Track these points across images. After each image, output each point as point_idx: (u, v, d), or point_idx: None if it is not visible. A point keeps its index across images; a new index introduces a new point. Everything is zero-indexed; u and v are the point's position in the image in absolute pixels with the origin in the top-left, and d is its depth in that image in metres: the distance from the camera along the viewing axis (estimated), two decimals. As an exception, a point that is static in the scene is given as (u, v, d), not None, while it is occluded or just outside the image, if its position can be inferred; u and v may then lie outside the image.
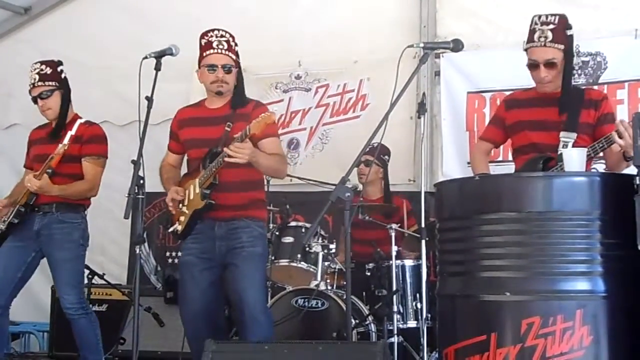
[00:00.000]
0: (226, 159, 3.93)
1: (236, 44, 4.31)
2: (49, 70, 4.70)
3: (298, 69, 6.73)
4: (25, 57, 7.35)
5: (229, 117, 4.18)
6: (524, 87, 5.88)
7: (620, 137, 3.56)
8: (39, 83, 4.68)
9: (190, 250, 4.25)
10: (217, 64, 4.21)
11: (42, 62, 4.75)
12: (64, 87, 4.74)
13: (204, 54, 4.25)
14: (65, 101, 4.73)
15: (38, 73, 4.70)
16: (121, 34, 7.14)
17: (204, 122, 4.28)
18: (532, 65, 3.94)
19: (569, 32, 3.92)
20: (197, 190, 4.16)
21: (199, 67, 4.31)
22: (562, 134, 3.89)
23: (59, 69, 4.74)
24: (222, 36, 4.25)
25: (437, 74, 6.35)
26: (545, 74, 3.91)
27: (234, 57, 4.26)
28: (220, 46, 4.22)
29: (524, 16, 5.90)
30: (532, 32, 3.94)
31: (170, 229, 4.33)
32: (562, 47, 3.90)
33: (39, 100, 4.70)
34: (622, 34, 5.74)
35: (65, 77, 4.77)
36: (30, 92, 4.74)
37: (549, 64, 3.90)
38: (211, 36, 4.25)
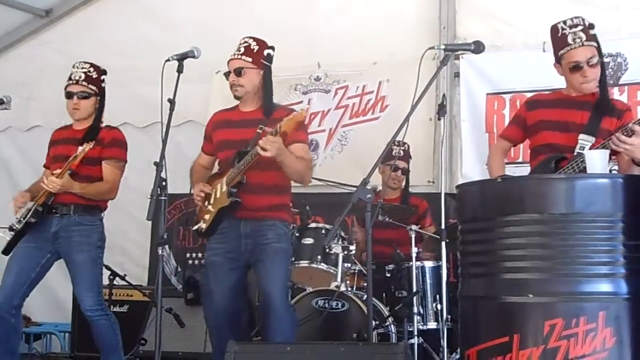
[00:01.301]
0: (258, 150, 3.95)
1: (264, 48, 4.33)
2: (95, 75, 4.77)
3: (317, 70, 6.75)
4: (46, 59, 7.46)
5: (262, 121, 4.21)
6: (542, 88, 5.95)
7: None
8: (83, 82, 4.73)
9: (216, 251, 4.28)
10: (231, 69, 4.30)
11: (91, 65, 4.81)
12: (101, 97, 4.80)
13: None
14: (100, 110, 4.79)
15: (85, 73, 4.75)
16: (141, 37, 7.19)
17: (237, 124, 4.34)
18: (575, 68, 3.91)
19: (592, 32, 3.94)
20: (224, 189, 4.20)
21: None
22: (581, 135, 3.89)
23: (102, 77, 4.81)
24: (244, 42, 4.33)
25: (457, 75, 6.35)
26: (590, 72, 3.91)
27: (249, 59, 4.28)
28: (237, 52, 4.31)
29: (544, 18, 5.90)
30: (562, 37, 3.93)
31: (195, 227, 4.37)
32: (595, 45, 3.92)
33: (74, 97, 4.74)
34: (643, 36, 5.73)
35: (104, 87, 4.83)
36: (67, 86, 4.77)
37: (591, 63, 3.90)
38: (237, 44, 4.34)
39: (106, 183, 4.68)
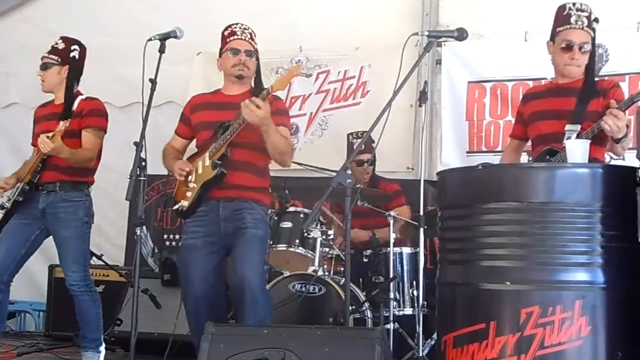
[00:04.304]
0: (242, 110, 3.98)
1: (256, 41, 4.41)
2: (62, 46, 4.79)
3: (299, 54, 6.71)
4: (25, 35, 7.37)
5: None
6: (523, 78, 5.98)
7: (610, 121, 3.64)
8: (46, 54, 4.79)
9: (194, 234, 4.24)
10: (241, 49, 4.31)
11: (62, 38, 4.84)
12: (70, 65, 4.76)
13: (228, 40, 4.34)
14: (70, 79, 4.76)
15: (52, 46, 4.80)
16: (123, 15, 7.13)
17: (219, 106, 4.31)
18: (567, 47, 3.92)
19: (594, 24, 3.97)
20: (207, 163, 4.17)
21: (221, 56, 4.37)
22: (567, 126, 3.86)
23: (71, 47, 4.80)
24: (246, 28, 4.39)
25: (438, 62, 6.36)
26: (579, 56, 3.93)
27: (255, 45, 4.37)
28: (244, 35, 4.36)
29: (526, 7, 5.94)
30: (567, 16, 3.94)
31: (175, 207, 4.30)
32: (592, 35, 3.95)
33: (39, 69, 4.79)
34: (624, 27, 5.75)
35: (74, 56, 4.79)
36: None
37: (583, 49, 3.93)
38: (235, 27, 4.38)
39: (88, 150, 4.67)
